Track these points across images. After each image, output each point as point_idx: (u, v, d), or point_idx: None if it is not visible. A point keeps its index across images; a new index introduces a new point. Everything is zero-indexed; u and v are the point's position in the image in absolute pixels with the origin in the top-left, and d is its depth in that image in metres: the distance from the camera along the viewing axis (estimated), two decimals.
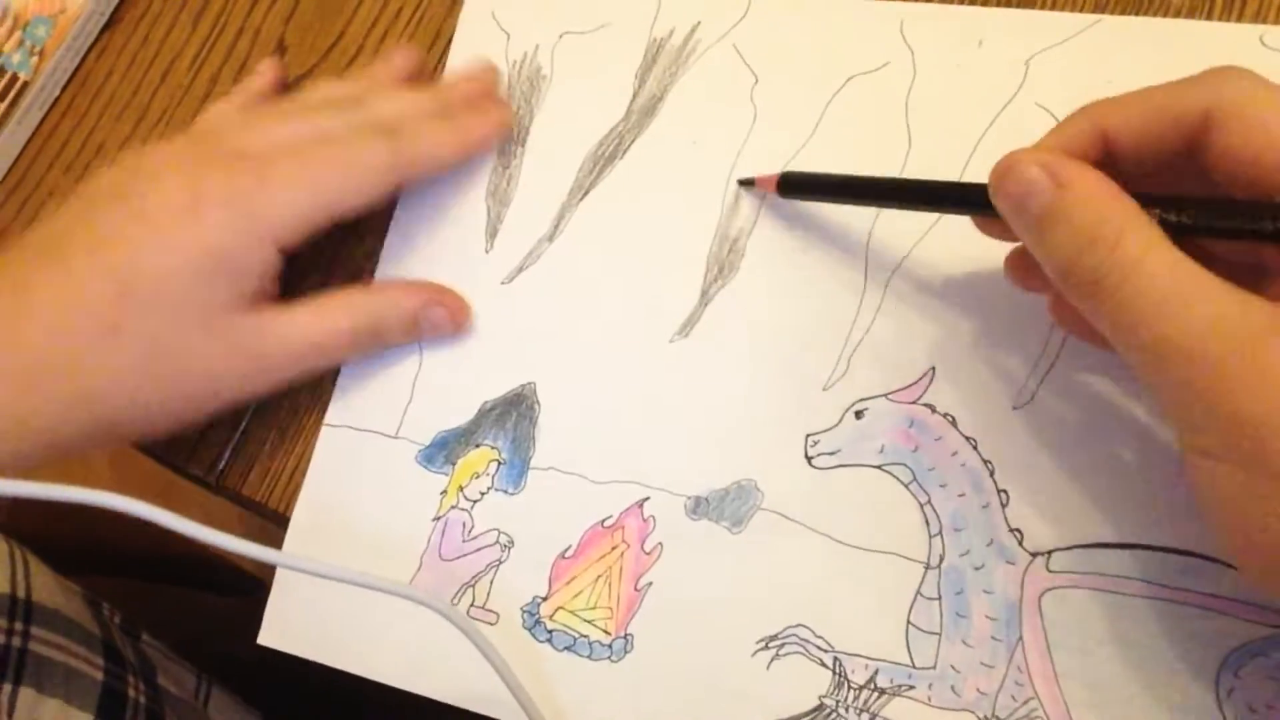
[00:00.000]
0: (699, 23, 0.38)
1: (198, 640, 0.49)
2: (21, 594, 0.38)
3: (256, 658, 0.34)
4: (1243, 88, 0.24)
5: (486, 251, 0.37)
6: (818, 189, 0.33)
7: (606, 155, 0.37)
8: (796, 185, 0.33)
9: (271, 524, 0.37)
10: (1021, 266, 0.29)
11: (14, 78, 0.44)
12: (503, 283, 0.37)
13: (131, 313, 0.31)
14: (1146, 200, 0.24)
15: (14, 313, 0.32)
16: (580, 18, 0.39)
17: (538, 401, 0.35)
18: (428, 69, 0.39)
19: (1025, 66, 0.34)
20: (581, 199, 0.37)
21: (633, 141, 0.37)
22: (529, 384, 0.35)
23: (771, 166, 0.35)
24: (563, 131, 0.38)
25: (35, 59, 0.44)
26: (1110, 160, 0.25)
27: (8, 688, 0.35)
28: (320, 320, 0.34)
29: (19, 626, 0.37)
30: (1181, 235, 0.23)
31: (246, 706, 0.50)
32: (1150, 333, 0.23)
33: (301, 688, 0.49)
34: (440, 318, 0.35)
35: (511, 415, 0.35)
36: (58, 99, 0.45)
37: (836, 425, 0.32)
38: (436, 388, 0.36)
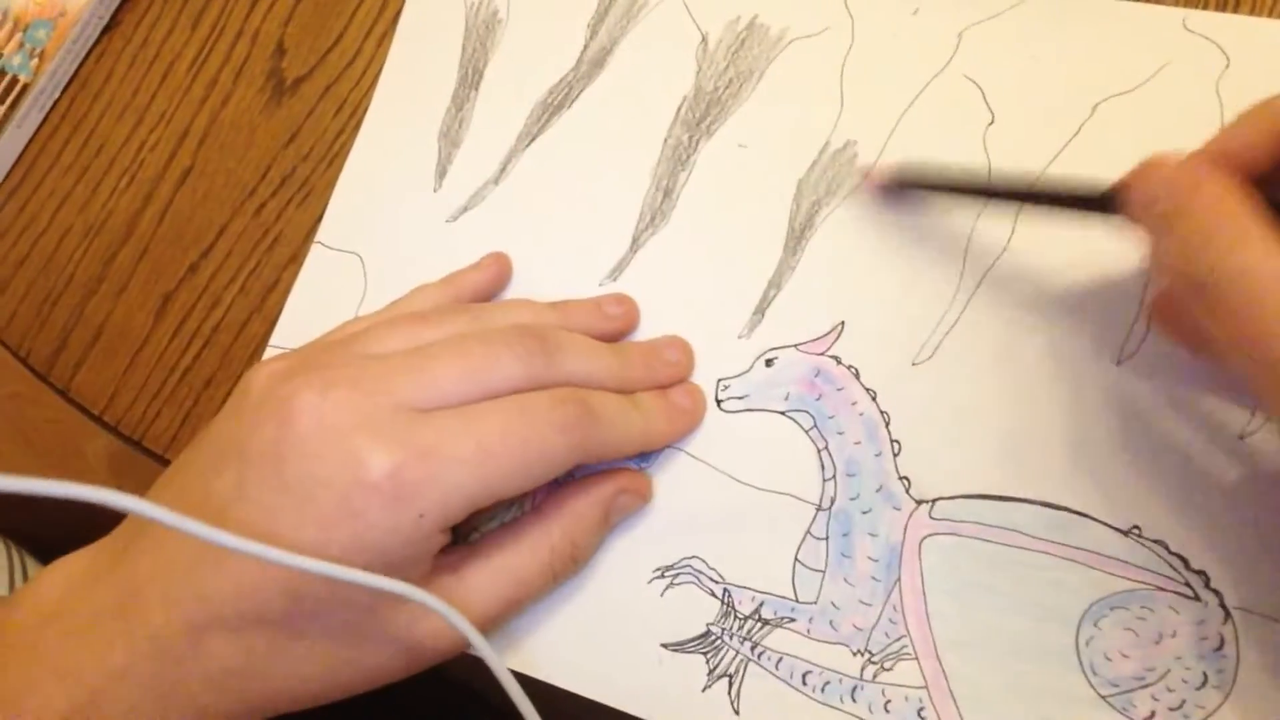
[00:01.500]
0: None
1: None
2: None
3: None
4: None
5: (435, 190, 0.39)
6: (934, 185, 0.33)
7: (555, 104, 0.39)
8: (912, 180, 0.33)
9: None
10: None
11: (14, 80, 0.44)
12: (447, 221, 0.38)
13: (309, 622, 0.28)
14: None
15: (190, 621, 0.27)
16: None
17: None
18: (633, 320, 0.35)
19: (958, 38, 0.35)
20: (529, 145, 0.38)
21: (581, 91, 0.38)
22: None
23: (711, 121, 0.36)
24: (515, 77, 0.39)
25: (35, 61, 0.44)
26: None
27: None
28: (508, 575, 0.30)
29: None
30: None
31: None
32: (1272, 347, 0.22)
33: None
34: (630, 504, 0.32)
35: None
36: (58, 101, 0.46)
37: (747, 371, 0.33)
38: None
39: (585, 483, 0.32)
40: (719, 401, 0.33)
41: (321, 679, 0.29)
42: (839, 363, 0.33)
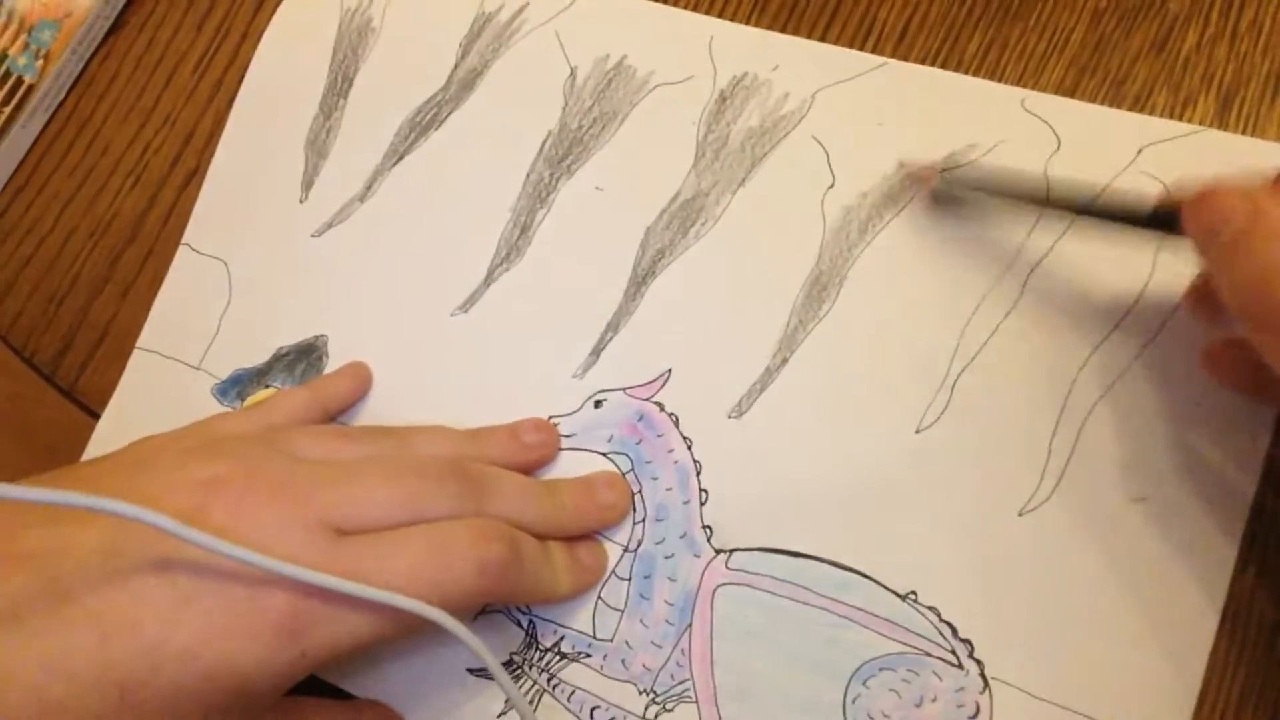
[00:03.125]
0: (528, 3, 0.40)
1: None
2: None
3: None
4: None
5: (301, 202, 0.40)
6: (990, 191, 0.32)
7: (424, 123, 0.39)
8: (959, 184, 0.33)
9: None
10: (1199, 298, 0.29)
11: (19, 81, 0.44)
12: (313, 235, 0.39)
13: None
14: None
15: None
16: None
17: (326, 354, 0.38)
18: (552, 451, 0.34)
19: (811, 99, 0.36)
20: (395, 164, 0.39)
21: (450, 113, 0.39)
22: (322, 336, 0.38)
23: (572, 160, 0.37)
24: (385, 90, 0.40)
25: (40, 62, 0.44)
26: None
27: None
28: None
29: None
30: None
31: None
32: None
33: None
34: None
35: (302, 363, 0.38)
36: (63, 102, 0.45)
37: (576, 411, 0.35)
38: (240, 327, 0.39)
39: None
40: None
41: None
42: (662, 409, 0.34)
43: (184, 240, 0.40)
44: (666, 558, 0.33)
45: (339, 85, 0.40)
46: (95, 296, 0.42)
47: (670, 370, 0.34)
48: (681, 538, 0.33)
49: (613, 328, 0.35)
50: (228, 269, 0.40)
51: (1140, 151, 0.33)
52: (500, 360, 0.36)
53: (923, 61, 0.36)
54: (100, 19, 0.45)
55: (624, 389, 0.35)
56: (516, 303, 0.37)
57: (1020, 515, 0.30)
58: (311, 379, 0.37)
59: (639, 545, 0.33)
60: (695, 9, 0.38)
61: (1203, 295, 0.29)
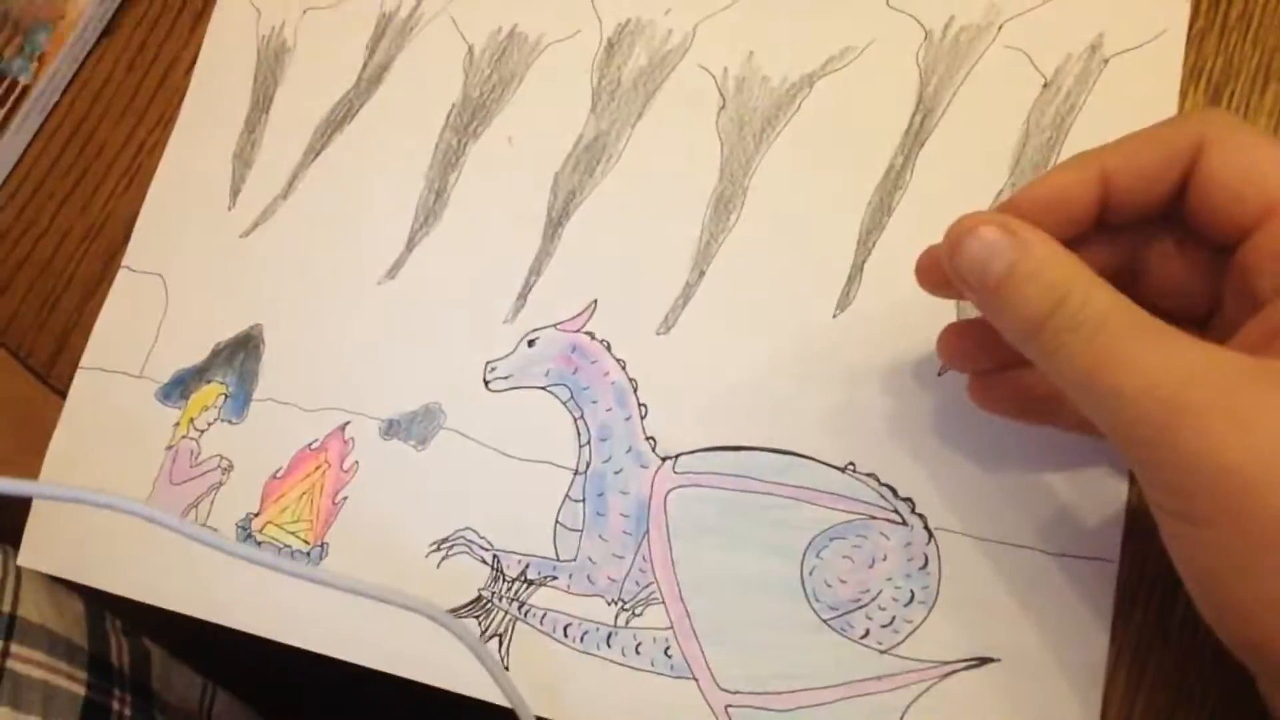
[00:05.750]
0: None
1: (205, 640, 0.46)
2: (6, 609, 0.38)
3: (263, 656, 0.36)
4: (1230, 120, 0.25)
5: (229, 209, 0.41)
6: None
7: (337, 121, 0.41)
8: None
9: None
10: (957, 342, 0.29)
11: (14, 83, 0.44)
12: (241, 236, 0.40)
13: None
14: None
15: None
16: None
17: (263, 341, 0.39)
18: None
19: (694, 31, 0.38)
20: (314, 160, 0.41)
21: (361, 106, 0.41)
22: (257, 325, 0.39)
23: (478, 125, 0.39)
24: (302, 99, 0.42)
25: (35, 65, 0.45)
26: (1106, 204, 0.26)
27: None
28: None
29: None
30: None
31: (255, 713, 0.50)
32: (1129, 385, 0.22)
33: (308, 687, 0.50)
34: None
35: (240, 354, 0.39)
36: (57, 103, 0.45)
37: (511, 353, 0.36)
38: (178, 332, 0.40)
39: None
40: (487, 383, 0.36)
41: None
42: (593, 338, 0.35)
43: (123, 263, 0.41)
44: (616, 473, 0.34)
45: (261, 103, 0.42)
46: (90, 297, 0.42)
47: (596, 301, 0.36)
48: (628, 452, 0.34)
49: (535, 271, 0.37)
50: (164, 281, 0.41)
51: (1000, 28, 0.35)
52: (432, 318, 0.37)
53: None
54: (94, 21, 0.46)
55: (555, 325, 0.36)
56: (440, 262, 0.38)
57: (939, 375, 0.32)
58: None
59: (588, 466, 0.34)
60: None
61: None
